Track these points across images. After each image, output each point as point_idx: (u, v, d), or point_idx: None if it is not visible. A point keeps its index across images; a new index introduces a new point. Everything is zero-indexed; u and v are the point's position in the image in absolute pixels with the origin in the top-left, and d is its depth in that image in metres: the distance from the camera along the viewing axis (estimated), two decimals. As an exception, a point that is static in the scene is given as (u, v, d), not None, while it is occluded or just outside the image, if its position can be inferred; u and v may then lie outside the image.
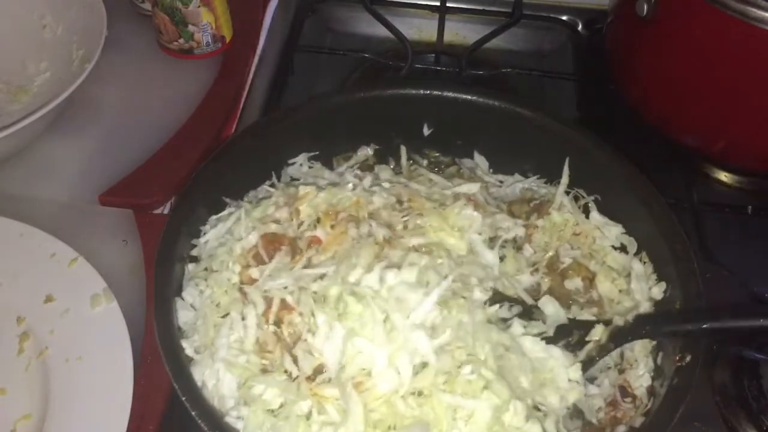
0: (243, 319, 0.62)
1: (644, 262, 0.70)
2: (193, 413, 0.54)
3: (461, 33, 1.12)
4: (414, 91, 0.78)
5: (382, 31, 1.03)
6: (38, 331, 0.67)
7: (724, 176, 0.91)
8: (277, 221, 0.68)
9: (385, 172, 0.77)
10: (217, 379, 0.59)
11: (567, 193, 0.74)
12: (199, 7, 0.90)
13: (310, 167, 0.78)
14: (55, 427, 0.61)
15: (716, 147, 0.87)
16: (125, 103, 0.91)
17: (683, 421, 0.56)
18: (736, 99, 0.80)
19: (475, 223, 0.69)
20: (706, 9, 0.75)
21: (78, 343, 0.66)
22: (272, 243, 0.67)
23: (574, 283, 0.70)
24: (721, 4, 0.74)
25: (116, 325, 0.66)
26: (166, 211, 0.81)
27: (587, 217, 0.73)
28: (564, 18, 1.12)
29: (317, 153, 0.78)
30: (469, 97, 0.77)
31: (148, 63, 0.96)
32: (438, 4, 1.06)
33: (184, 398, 0.55)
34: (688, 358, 0.60)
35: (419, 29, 1.12)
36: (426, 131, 0.80)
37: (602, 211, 0.73)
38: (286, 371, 0.60)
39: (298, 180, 0.76)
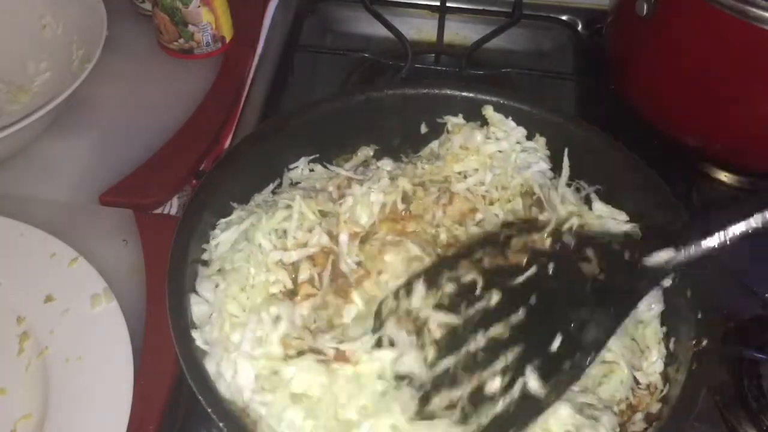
0: (275, 320, 0.62)
1: None
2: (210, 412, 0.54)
3: (461, 33, 1.12)
4: (412, 91, 0.78)
5: (382, 31, 1.03)
6: (38, 331, 0.67)
7: (724, 176, 0.91)
8: (324, 249, 0.68)
9: (388, 166, 0.77)
10: (235, 370, 0.59)
11: (568, 185, 0.74)
12: (199, 7, 0.90)
13: (311, 170, 0.78)
14: (55, 427, 0.61)
15: (716, 147, 0.87)
16: (125, 103, 0.91)
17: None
18: (736, 99, 0.80)
19: None
20: (706, 9, 0.75)
21: (78, 343, 0.66)
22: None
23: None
24: (720, 4, 0.74)
25: (116, 324, 0.67)
26: (166, 211, 0.81)
27: (590, 208, 0.74)
28: (564, 18, 1.12)
29: (317, 156, 0.78)
30: (466, 94, 0.77)
31: (148, 63, 0.96)
32: (438, 4, 1.06)
33: (200, 396, 0.55)
34: (704, 343, 0.60)
35: (419, 29, 1.12)
36: (423, 130, 0.80)
37: (605, 200, 0.73)
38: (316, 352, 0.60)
39: (299, 183, 0.77)
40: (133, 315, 0.68)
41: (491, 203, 0.73)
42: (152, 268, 0.72)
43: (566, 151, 0.75)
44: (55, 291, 0.69)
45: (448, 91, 0.78)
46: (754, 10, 0.72)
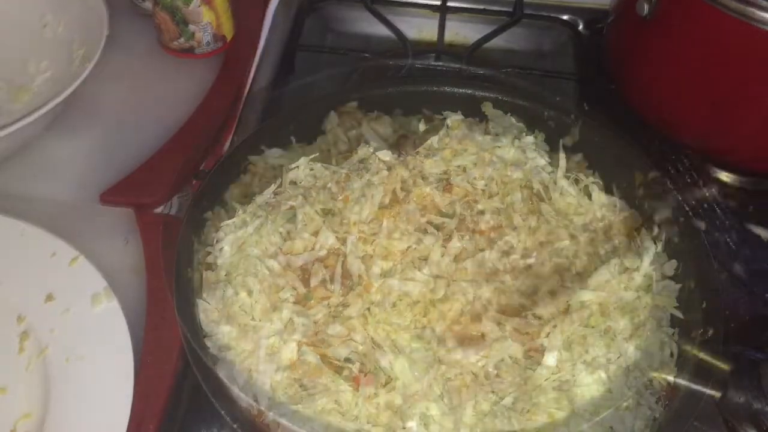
0: (289, 326, 0.62)
1: (654, 238, 0.71)
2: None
3: (462, 32, 1.12)
4: (412, 88, 0.79)
5: (382, 31, 1.03)
6: (39, 331, 0.67)
7: (724, 176, 0.91)
8: (332, 250, 0.68)
9: (387, 156, 0.77)
10: (249, 376, 0.60)
11: (567, 177, 0.75)
12: (199, 6, 0.90)
13: (311, 170, 0.78)
14: (55, 427, 0.61)
15: (716, 147, 0.87)
16: (126, 103, 0.91)
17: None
18: (736, 99, 0.80)
19: None
20: (707, 9, 0.75)
21: (78, 343, 0.66)
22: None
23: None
24: (721, 4, 0.74)
25: (117, 324, 0.66)
26: (167, 211, 0.81)
27: (590, 198, 0.74)
28: (565, 18, 1.12)
29: (317, 155, 0.78)
30: (466, 91, 0.78)
31: (148, 62, 0.96)
32: (438, 3, 1.06)
33: (213, 399, 0.56)
34: (710, 332, 0.61)
35: (420, 29, 1.12)
36: (422, 127, 0.80)
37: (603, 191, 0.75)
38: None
39: (300, 183, 0.76)
40: (133, 314, 0.68)
41: (490, 197, 0.74)
42: (153, 268, 0.72)
43: (561, 143, 0.75)
44: (56, 290, 0.69)
45: (448, 88, 0.78)
46: (755, 11, 0.72)
